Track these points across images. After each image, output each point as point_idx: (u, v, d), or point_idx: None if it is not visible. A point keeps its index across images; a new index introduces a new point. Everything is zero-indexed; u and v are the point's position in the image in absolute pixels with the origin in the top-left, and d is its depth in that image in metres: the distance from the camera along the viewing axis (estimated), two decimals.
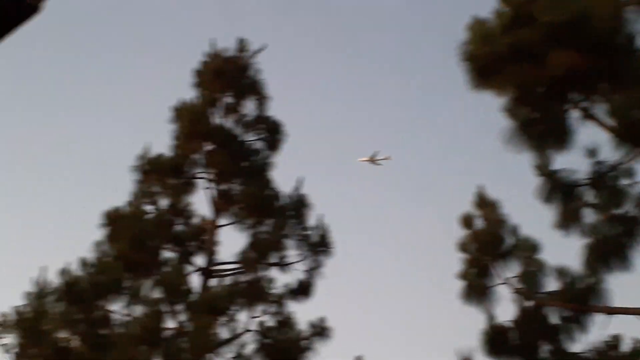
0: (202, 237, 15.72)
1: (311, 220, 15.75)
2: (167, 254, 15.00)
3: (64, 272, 13.74)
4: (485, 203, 11.11)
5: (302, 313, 18.97)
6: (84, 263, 14.07)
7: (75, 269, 13.89)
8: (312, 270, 15.62)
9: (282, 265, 15.46)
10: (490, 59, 8.74)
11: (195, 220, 15.79)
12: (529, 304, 10.87)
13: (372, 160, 32.03)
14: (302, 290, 15.51)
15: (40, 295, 13.78)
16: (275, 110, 16.48)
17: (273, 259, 15.35)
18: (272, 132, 16.16)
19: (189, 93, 16.83)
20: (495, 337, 10.79)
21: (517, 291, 10.93)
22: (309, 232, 15.63)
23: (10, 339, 22.06)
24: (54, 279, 13.84)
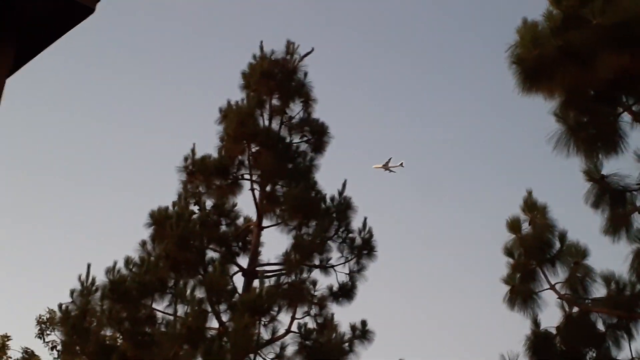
0: (247, 238, 15.83)
1: (355, 222, 15.75)
2: (212, 254, 15.13)
3: (110, 270, 13.91)
4: (533, 207, 10.97)
5: (344, 315, 18.97)
6: (129, 262, 14.23)
7: (121, 268, 14.06)
8: (355, 273, 15.60)
9: (325, 267, 15.47)
10: (540, 62, 8.64)
11: (240, 221, 15.91)
12: (575, 310, 10.71)
13: (386, 167, 31.94)
14: (345, 292, 15.50)
15: (86, 293, 13.97)
16: (320, 112, 16.55)
17: (316, 261, 15.37)
18: (318, 135, 16.19)
19: (236, 95, 16.97)
20: (539, 343, 10.65)
21: (563, 297, 10.77)
22: (352, 235, 15.62)
23: (56, 335, 22.48)
24: (100, 277, 14.03)
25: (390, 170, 31.97)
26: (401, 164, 30.87)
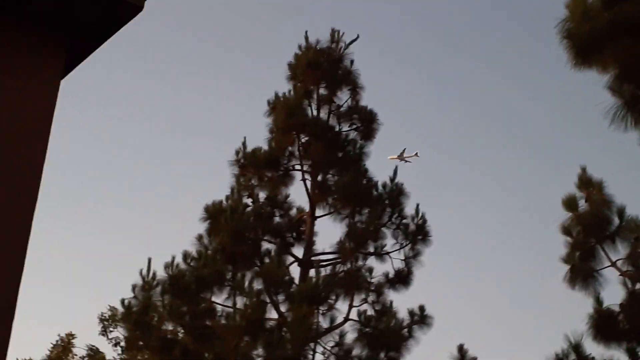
0: (300, 228, 15.90)
1: (408, 209, 15.70)
2: (267, 245, 15.25)
3: (168, 265, 14.10)
4: (588, 184, 10.78)
5: (402, 301, 18.95)
6: (187, 256, 14.41)
7: (180, 263, 14.25)
8: (411, 259, 15.56)
9: (380, 254, 15.46)
10: (592, 36, 8.47)
11: (293, 212, 15.99)
12: (638, 286, 10.51)
13: (401, 158, 31.74)
14: (401, 279, 15.47)
15: (147, 288, 14.19)
16: (368, 99, 16.52)
17: (370, 248, 15.37)
18: (366, 122, 16.16)
19: (284, 87, 17.03)
20: (603, 322, 10.49)
21: (625, 274, 10.58)
22: (406, 221, 15.57)
23: (119, 332, 22.93)
24: (159, 272, 14.23)
25: (406, 161, 31.81)
26: (416, 154, 30.70)
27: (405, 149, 32.14)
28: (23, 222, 4.12)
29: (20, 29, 4.38)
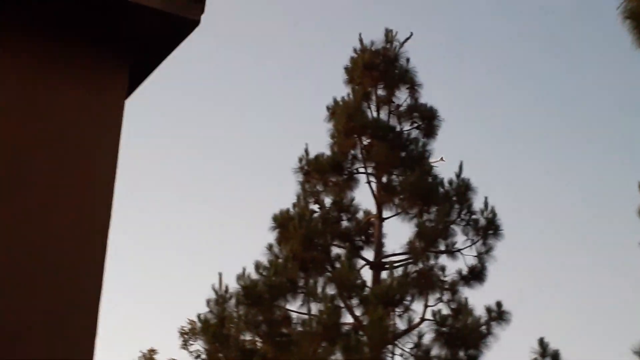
0: (369, 231, 15.86)
1: (476, 203, 15.51)
2: (337, 250, 15.25)
3: (240, 277, 14.23)
4: None
5: (478, 298, 18.71)
6: (258, 266, 14.52)
7: (250, 273, 14.37)
8: (483, 255, 15.35)
9: (451, 252, 15.31)
10: None
11: (360, 215, 15.96)
12: None
13: None
14: (475, 275, 15.28)
15: (221, 301, 14.35)
16: (428, 96, 16.40)
17: (441, 246, 15.23)
18: (428, 119, 16.05)
19: (341, 91, 17.04)
20: None
21: None
22: (475, 216, 15.37)
23: (199, 345, 23.23)
24: (232, 285, 14.38)
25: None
26: (441, 159, 30.42)
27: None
28: (99, 242, 4.19)
29: (85, 51, 4.47)
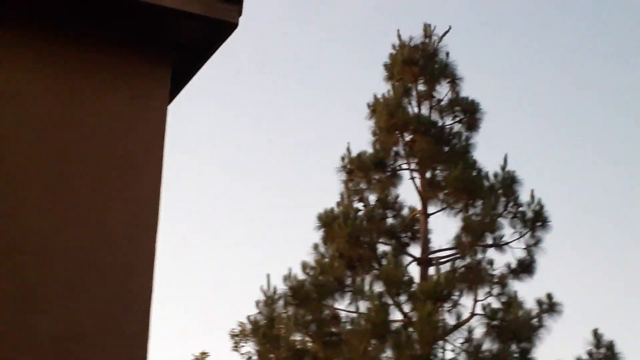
0: (414, 227, 15.80)
1: (523, 196, 15.33)
2: (383, 247, 15.23)
3: (287, 277, 14.29)
4: None
5: (528, 291, 18.51)
6: (305, 266, 14.57)
7: (297, 274, 14.42)
8: (532, 247, 15.18)
9: (499, 245, 15.16)
10: None
11: (404, 212, 15.91)
12: None
13: None
14: (524, 268, 15.12)
15: (270, 302, 14.42)
16: (469, 90, 16.29)
17: (489, 240, 15.10)
18: (469, 113, 15.92)
19: (381, 88, 17.01)
20: None
21: None
22: (522, 209, 15.20)
23: (248, 346, 23.38)
24: (279, 286, 14.44)
25: None
26: None
27: None
28: (149, 246, 4.25)
29: (127, 58, 4.53)
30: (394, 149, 15.87)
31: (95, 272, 3.97)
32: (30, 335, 3.76)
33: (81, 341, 3.87)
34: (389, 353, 13.47)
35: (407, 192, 17.66)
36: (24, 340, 3.75)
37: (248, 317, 14.64)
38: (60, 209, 4.00)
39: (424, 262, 15.07)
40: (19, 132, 4.02)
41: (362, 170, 15.65)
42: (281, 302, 14.42)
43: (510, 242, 15.17)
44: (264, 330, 14.15)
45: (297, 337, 14.54)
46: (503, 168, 15.35)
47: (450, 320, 14.14)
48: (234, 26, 4.84)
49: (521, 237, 15.17)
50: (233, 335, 23.97)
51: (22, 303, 3.79)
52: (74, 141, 4.21)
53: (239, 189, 37.59)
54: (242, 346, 23.71)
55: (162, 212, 4.38)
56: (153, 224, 4.30)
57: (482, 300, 14.57)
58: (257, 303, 14.56)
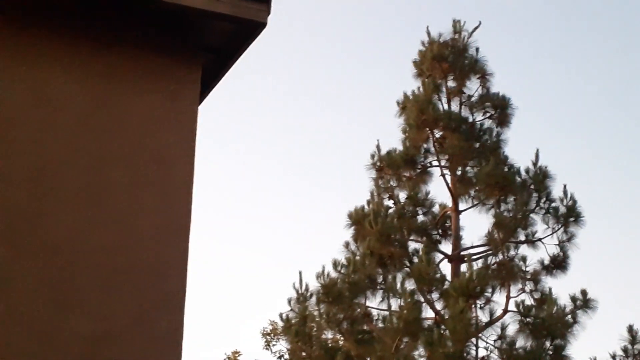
0: (446, 224, 15.73)
1: (556, 192, 15.19)
2: (414, 245, 15.18)
3: (320, 275, 14.29)
4: None
5: (562, 287, 18.34)
6: (336, 264, 14.56)
7: (330, 272, 14.41)
8: (565, 243, 15.03)
9: (532, 241, 15.04)
10: None
11: (435, 209, 15.84)
12: None
13: None
14: (557, 264, 14.99)
15: (302, 300, 14.44)
16: (500, 85, 16.18)
17: (521, 236, 14.98)
18: (500, 108, 15.80)
19: (410, 85, 16.95)
20: None
21: None
22: (555, 204, 15.06)
23: (281, 345, 23.47)
24: (311, 283, 14.45)
25: None
26: None
27: None
28: (181, 245, 4.29)
29: (157, 60, 4.57)
30: (424, 145, 15.80)
31: (129, 272, 4.02)
32: (66, 334, 3.81)
33: (116, 340, 3.91)
34: (421, 351, 13.43)
35: (438, 189, 17.57)
36: (58, 339, 3.80)
37: (280, 315, 14.68)
38: (95, 209, 4.05)
39: (456, 259, 15.00)
40: (54, 134, 4.08)
41: (392, 168, 15.60)
42: (313, 300, 14.42)
43: (543, 238, 15.05)
44: (297, 328, 14.16)
45: (329, 335, 14.56)
46: (535, 163, 15.22)
47: (483, 317, 14.08)
48: (263, 25, 4.86)
49: (554, 232, 15.03)
50: (264, 334, 24.10)
51: (57, 302, 3.84)
52: (106, 143, 4.26)
53: (270, 187, 37.72)
54: (274, 345, 23.83)
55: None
56: (185, 223, 4.34)
57: (515, 297, 14.49)
58: (290, 301, 14.59)
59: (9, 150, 3.89)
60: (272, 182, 37.38)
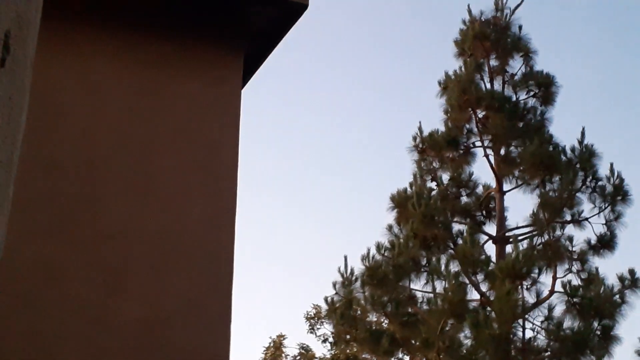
0: (490, 205, 15.58)
1: (602, 170, 14.94)
2: (458, 227, 15.08)
3: (365, 257, 14.29)
4: None
5: (610, 267, 18.09)
6: (380, 247, 14.54)
7: (375, 254, 14.40)
8: (612, 222, 14.79)
9: (578, 221, 14.83)
10: None
11: (479, 190, 15.71)
12: None
13: None
14: (604, 244, 14.76)
15: (347, 283, 14.46)
16: (544, 63, 15.92)
17: (567, 216, 14.78)
18: (544, 87, 15.55)
19: (451, 65, 16.76)
20: None
21: None
22: (602, 183, 14.82)
23: (325, 328, 23.60)
24: (355, 267, 14.47)
25: None
26: None
27: None
28: (228, 229, 4.30)
29: (200, 46, 4.58)
30: (467, 126, 15.65)
31: (180, 257, 4.05)
32: (117, 318, 3.86)
33: (166, 323, 3.95)
34: (466, 332, 13.37)
35: (481, 170, 17.44)
36: (111, 323, 3.85)
37: (325, 299, 14.72)
38: (144, 196, 4.08)
39: (500, 240, 14.87)
40: (103, 123, 4.11)
41: (435, 149, 15.49)
42: (358, 284, 14.42)
43: (590, 217, 14.83)
44: (342, 311, 14.20)
45: (374, 317, 14.55)
46: (580, 142, 14.97)
47: (530, 298, 13.93)
48: (304, 7, 4.84)
49: (601, 212, 14.79)
50: (308, 318, 24.23)
51: (108, 287, 3.89)
52: (152, 130, 4.29)
53: (313, 172, 37.77)
54: (318, 328, 23.94)
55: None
56: (231, 207, 4.36)
57: (561, 277, 14.32)
58: (335, 284, 14.61)
59: (61, 140, 3.94)
60: (315, 166, 37.45)
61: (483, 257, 14.15)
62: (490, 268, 13.93)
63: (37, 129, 3.85)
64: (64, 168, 3.91)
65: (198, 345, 3.93)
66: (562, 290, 14.03)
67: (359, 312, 14.47)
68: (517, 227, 15.08)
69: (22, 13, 1.37)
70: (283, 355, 24.74)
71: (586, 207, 14.81)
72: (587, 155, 14.78)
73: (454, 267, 13.90)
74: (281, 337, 24.98)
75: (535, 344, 13.79)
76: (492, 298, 13.54)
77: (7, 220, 1.37)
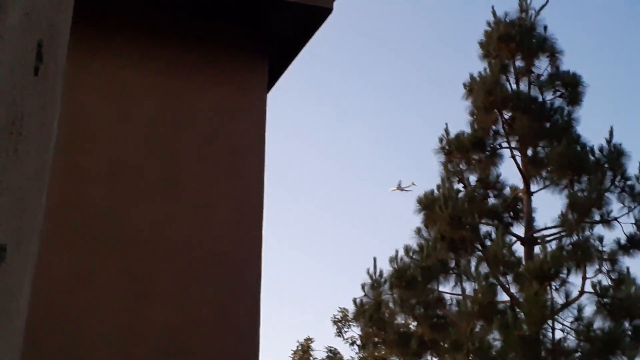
0: (517, 206, 15.49)
1: (631, 169, 14.79)
2: (485, 228, 15.00)
3: (393, 259, 14.27)
4: None
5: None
6: (408, 250, 14.51)
7: (403, 257, 14.37)
8: None
9: (607, 221, 14.69)
10: None
11: (506, 191, 15.62)
12: None
13: (400, 188, 29.79)
14: (635, 243, 14.61)
15: (376, 285, 14.45)
16: (569, 63, 15.81)
17: (596, 216, 14.65)
18: (571, 87, 15.43)
19: (476, 67, 16.68)
20: None
21: None
22: (631, 182, 14.67)
23: (353, 331, 23.59)
24: (384, 269, 14.45)
25: (406, 190, 29.86)
26: (412, 183, 29.22)
27: (400, 180, 30.62)
28: (255, 234, 4.32)
29: (225, 51, 4.61)
30: (493, 127, 15.58)
31: (207, 263, 4.08)
32: (145, 324, 3.89)
33: (194, 330, 3.98)
34: (495, 334, 13.29)
35: (508, 171, 17.35)
36: (140, 330, 3.88)
37: (354, 301, 14.71)
38: (172, 202, 4.12)
39: (529, 241, 14.77)
40: (130, 129, 4.16)
41: (461, 151, 15.43)
42: (387, 286, 14.41)
43: (619, 217, 14.69)
44: (370, 313, 14.19)
45: (402, 320, 14.52)
46: (609, 141, 14.83)
47: (559, 299, 13.82)
48: (328, 11, 4.85)
49: (630, 211, 14.66)
50: (335, 321, 24.23)
51: (137, 294, 3.92)
52: (178, 135, 4.32)
53: (345, 175, 37.76)
54: (346, 331, 23.93)
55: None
56: (258, 212, 4.38)
57: (591, 277, 14.18)
58: (363, 286, 14.61)
59: (88, 146, 3.98)
60: (342, 168, 37.47)
61: (512, 258, 14.07)
62: (519, 269, 13.85)
63: (65, 137, 3.90)
64: (91, 175, 3.96)
65: (227, 352, 3.95)
66: (592, 290, 13.90)
67: (387, 314, 14.45)
68: (546, 228, 15.01)
69: (54, 23, 1.40)
70: (311, 358, 24.76)
71: (615, 207, 14.70)
72: (615, 155, 14.65)
73: (483, 268, 13.84)
74: (309, 340, 24.99)
75: (566, 344, 13.68)
76: (521, 299, 13.46)
77: (41, 229, 1.40)
